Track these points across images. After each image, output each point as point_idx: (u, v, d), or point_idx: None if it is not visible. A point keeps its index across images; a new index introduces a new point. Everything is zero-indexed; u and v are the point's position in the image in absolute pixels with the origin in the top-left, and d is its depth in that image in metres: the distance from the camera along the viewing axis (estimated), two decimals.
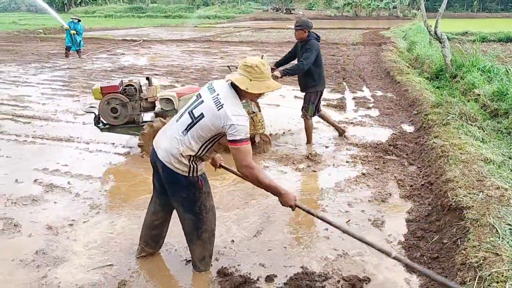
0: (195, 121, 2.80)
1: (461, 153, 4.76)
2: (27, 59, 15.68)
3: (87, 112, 6.37)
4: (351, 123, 7.24)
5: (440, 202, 3.92)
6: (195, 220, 3.04)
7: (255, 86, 2.78)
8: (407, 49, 17.11)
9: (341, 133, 6.50)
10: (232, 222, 3.98)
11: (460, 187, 3.90)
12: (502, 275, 2.56)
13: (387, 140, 6.19)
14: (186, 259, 3.38)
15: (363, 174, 5.05)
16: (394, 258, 2.62)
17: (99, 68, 13.63)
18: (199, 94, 2.96)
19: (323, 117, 6.40)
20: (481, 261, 2.81)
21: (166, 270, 3.29)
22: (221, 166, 3.32)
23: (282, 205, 2.86)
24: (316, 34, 5.81)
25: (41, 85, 10.80)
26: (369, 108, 8.31)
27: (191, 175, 2.90)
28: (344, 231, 2.87)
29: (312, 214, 2.97)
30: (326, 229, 3.76)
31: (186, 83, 10.97)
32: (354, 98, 9.13)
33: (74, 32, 16.02)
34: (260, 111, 5.88)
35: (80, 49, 16.52)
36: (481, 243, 3.02)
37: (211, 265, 3.26)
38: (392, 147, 5.83)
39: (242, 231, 3.83)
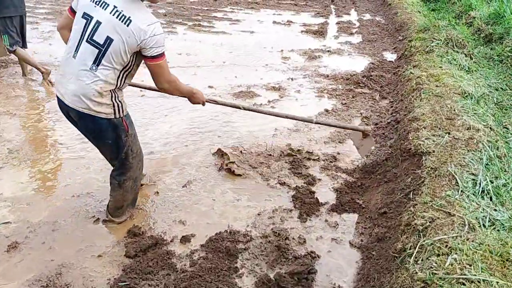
0: (103, 49, 2.25)
1: (437, 86, 4.13)
2: None
3: None
4: (327, 51, 6.52)
5: (400, 145, 3.37)
6: (119, 166, 2.63)
7: None
8: None
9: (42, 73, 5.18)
10: (163, 169, 3.48)
11: (425, 127, 3.32)
12: (447, 246, 2.05)
13: (362, 71, 5.53)
14: (95, 217, 2.91)
15: (326, 110, 4.47)
16: (317, 122, 2.96)
17: None
18: (85, 14, 2.29)
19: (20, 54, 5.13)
20: (428, 223, 2.30)
21: (69, 230, 2.83)
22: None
23: (193, 103, 2.79)
24: None
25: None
26: (351, 34, 7.55)
27: (116, 116, 2.42)
28: (253, 110, 3.04)
29: (220, 103, 3.01)
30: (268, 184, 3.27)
31: (160, 7, 10.07)
32: (338, 23, 8.31)
33: None
34: None
35: None
36: (434, 198, 2.50)
37: (128, 217, 2.85)
38: (366, 78, 5.20)
39: (172, 180, 3.34)
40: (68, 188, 3.20)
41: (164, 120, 4.30)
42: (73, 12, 2.41)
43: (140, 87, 2.85)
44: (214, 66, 6.05)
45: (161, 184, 3.28)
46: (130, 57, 2.31)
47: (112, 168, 2.71)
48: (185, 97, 2.74)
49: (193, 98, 2.75)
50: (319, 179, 3.32)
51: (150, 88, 2.83)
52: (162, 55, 2.32)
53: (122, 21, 2.22)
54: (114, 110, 2.41)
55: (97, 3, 2.27)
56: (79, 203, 3.03)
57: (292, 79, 5.44)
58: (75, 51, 2.32)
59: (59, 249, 2.64)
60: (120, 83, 2.39)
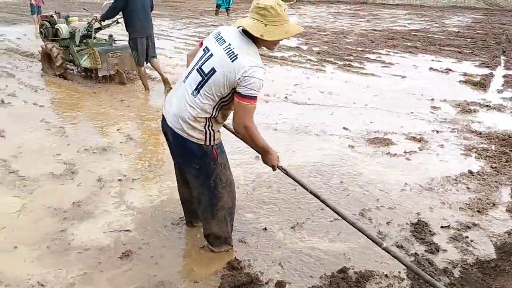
0: (206, 78, 2.40)
1: None
2: (181, 15, 16.65)
3: None
4: (486, 105, 5.83)
5: None
6: (209, 195, 2.67)
7: (271, 32, 2.33)
8: None
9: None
10: (274, 206, 3.43)
11: None
12: None
13: None
14: (201, 244, 2.98)
15: (470, 172, 3.95)
16: (384, 249, 2.43)
17: None
18: (206, 47, 2.49)
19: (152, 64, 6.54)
20: None
21: (176, 250, 2.94)
22: None
23: (264, 162, 2.64)
24: None
25: (179, 39, 11.26)
26: None
27: (207, 143, 2.51)
28: (317, 197, 2.65)
29: (289, 175, 2.69)
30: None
31: (315, 45, 10.30)
32: (505, 76, 7.43)
33: None
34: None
35: (229, 7, 16.88)
36: None
37: (229, 250, 2.86)
38: None
39: (281, 219, 3.26)
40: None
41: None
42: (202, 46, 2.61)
43: (230, 130, 2.85)
44: (354, 108, 5.88)
45: (269, 221, 3.23)
46: (228, 91, 2.39)
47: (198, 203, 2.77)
48: (258, 151, 2.62)
49: (266, 157, 2.61)
50: (444, 250, 2.91)
51: (235, 135, 2.78)
52: (252, 98, 2.34)
53: (229, 56, 2.34)
54: (206, 137, 2.50)
55: (218, 39, 2.46)
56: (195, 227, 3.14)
57: (437, 131, 4.98)
58: (186, 76, 2.53)
59: (164, 266, 2.76)
60: (215, 113, 2.47)
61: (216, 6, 16.90)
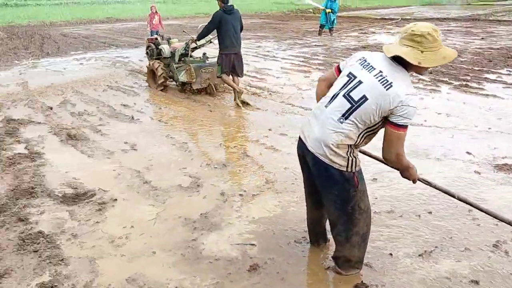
0: (355, 105, 2.40)
1: None
2: (285, 36, 17.03)
3: None
4: None
5: None
6: (346, 220, 2.66)
7: (429, 58, 2.30)
8: None
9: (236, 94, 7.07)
10: (398, 231, 3.34)
11: None
12: None
13: None
14: (326, 264, 3.00)
15: None
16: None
17: (343, 46, 13.69)
18: (350, 73, 2.50)
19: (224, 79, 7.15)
20: None
21: (300, 268, 2.99)
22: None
23: (404, 177, 2.61)
24: (227, 8, 6.79)
25: (284, 60, 11.53)
26: None
27: (348, 169, 2.52)
28: (469, 203, 2.72)
29: (432, 185, 2.74)
30: None
31: None
32: None
33: (330, 10, 16.44)
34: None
35: (333, 28, 16.91)
36: None
37: (356, 273, 2.84)
38: None
39: (407, 245, 3.17)
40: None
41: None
42: (339, 71, 2.64)
43: (369, 155, 2.87)
44: (476, 131, 5.54)
45: (394, 246, 3.15)
46: (378, 119, 2.38)
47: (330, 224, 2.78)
48: (399, 169, 2.58)
49: (406, 171, 2.56)
50: None
51: (376, 158, 2.79)
52: (405, 127, 2.34)
53: (383, 85, 2.32)
54: (348, 163, 2.48)
55: (365, 66, 2.45)
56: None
57: None
58: (329, 102, 2.53)
59: (290, 282, 2.84)
60: (359, 141, 2.47)
61: (320, 27, 17.01)
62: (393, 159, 2.45)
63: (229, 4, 6.86)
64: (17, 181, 4.26)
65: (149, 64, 8.20)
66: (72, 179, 4.35)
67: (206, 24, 6.99)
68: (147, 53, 8.64)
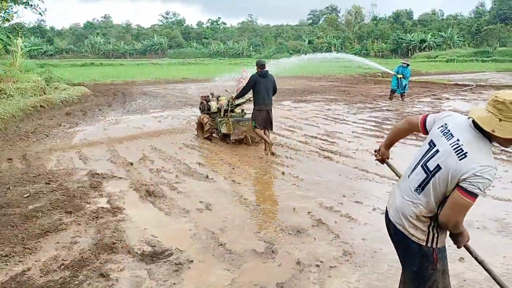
0: (430, 176, 2.32)
1: None
2: (354, 100, 17.04)
3: None
4: None
5: None
6: None
7: (505, 128, 2.13)
8: None
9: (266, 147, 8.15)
10: None
11: None
12: None
13: None
14: None
15: None
16: None
17: (416, 112, 13.42)
18: (431, 141, 2.41)
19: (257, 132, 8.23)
20: None
21: None
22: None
23: (453, 240, 2.45)
24: (262, 73, 8.05)
25: (355, 124, 11.46)
26: None
27: (428, 245, 2.38)
28: None
29: (474, 255, 2.52)
30: None
31: None
32: None
33: (401, 76, 16.36)
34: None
35: (404, 93, 16.72)
36: None
37: None
38: None
39: None
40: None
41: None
42: (424, 126, 2.53)
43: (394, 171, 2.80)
44: None
45: None
46: (452, 188, 2.23)
47: None
48: (450, 231, 2.39)
49: (459, 236, 2.42)
50: None
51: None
52: (474, 196, 2.15)
53: (457, 154, 2.21)
54: (428, 238, 2.36)
55: (445, 134, 2.34)
56: None
57: None
58: (411, 171, 2.46)
59: None
60: (440, 211, 2.32)
61: (391, 91, 16.90)
62: (450, 226, 2.30)
63: (265, 69, 8.13)
64: (99, 235, 4.43)
65: (199, 118, 9.53)
66: (151, 236, 4.45)
67: (244, 86, 8.26)
68: (199, 108, 9.86)
